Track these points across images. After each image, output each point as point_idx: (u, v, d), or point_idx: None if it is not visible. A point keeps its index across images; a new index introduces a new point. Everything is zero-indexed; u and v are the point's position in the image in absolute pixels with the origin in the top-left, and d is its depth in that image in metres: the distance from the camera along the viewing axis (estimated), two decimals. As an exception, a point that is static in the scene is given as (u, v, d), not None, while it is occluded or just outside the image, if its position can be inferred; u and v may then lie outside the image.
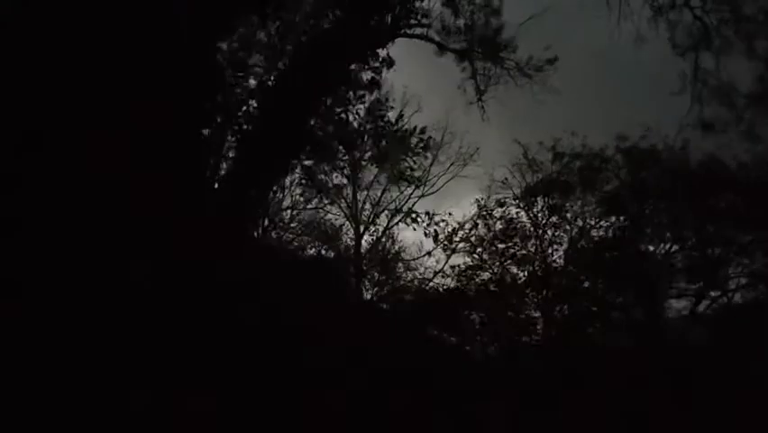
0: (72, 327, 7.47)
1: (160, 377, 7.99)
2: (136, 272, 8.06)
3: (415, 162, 11.62)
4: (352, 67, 11.74)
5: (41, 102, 8.08)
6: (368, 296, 21.09)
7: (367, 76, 11.71)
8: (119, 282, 7.90)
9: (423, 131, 12.41)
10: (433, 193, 21.25)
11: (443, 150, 21.04)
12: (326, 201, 19.06)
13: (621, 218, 21.34)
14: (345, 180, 15.46)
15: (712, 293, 20.76)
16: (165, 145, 8.81)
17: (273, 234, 18.13)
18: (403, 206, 20.53)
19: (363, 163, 15.40)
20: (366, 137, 11.56)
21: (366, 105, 11.28)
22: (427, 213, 19.91)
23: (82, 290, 7.61)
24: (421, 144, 11.32)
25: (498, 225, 21.77)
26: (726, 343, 18.88)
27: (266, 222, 16.49)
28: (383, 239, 21.87)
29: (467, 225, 21.65)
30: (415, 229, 20.32)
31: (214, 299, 8.92)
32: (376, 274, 21.63)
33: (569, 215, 21.85)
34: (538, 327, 21.95)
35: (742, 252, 20.45)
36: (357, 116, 11.45)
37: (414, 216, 19.80)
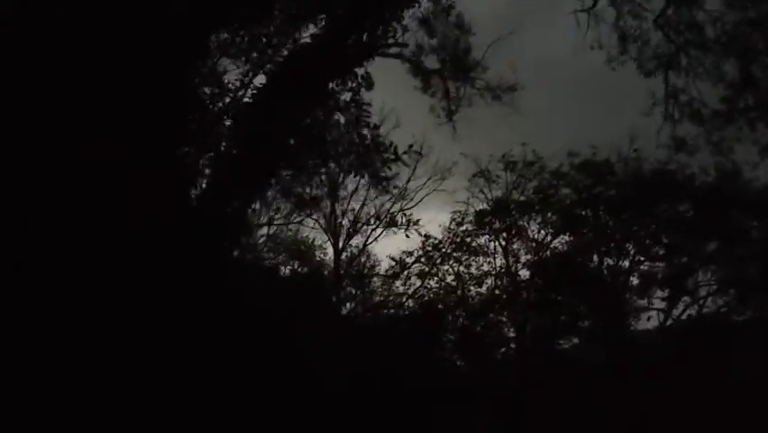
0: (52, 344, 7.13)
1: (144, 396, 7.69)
2: (114, 292, 7.73)
3: (391, 169, 11.41)
4: (330, 86, 11.41)
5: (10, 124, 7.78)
6: (345, 311, 20.72)
7: (346, 96, 11.40)
8: (97, 305, 7.57)
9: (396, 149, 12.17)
10: (411, 208, 21.08)
11: (421, 164, 20.86)
12: (304, 215, 18.69)
13: (581, 232, 21.20)
14: (324, 192, 15.14)
15: (682, 302, 20.62)
16: (141, 165, 8.44)
17: (251, 252, 17.66)
18: (383, 216, 20.21)
19: (342, 176, 15.10)
20: (346, 147, 11.23)
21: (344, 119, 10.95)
22: (404, 215, 19.52)
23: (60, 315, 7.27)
24: (398, 154, 11.09)
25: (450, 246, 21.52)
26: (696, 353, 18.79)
27: (244, 239, 16.02)
28: (361, 255, 21.54)
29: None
30: (395, 233, 19.86)
31: (193, 318, 8.57)
32: (353, 290, 21.26)
33: (530, 230, 21.70)
34: (510, 341, 21.76)
35: (708, 260, 20.34)
36: (337, 128, 11.13)
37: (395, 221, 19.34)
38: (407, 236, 17.99)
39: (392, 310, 20.78)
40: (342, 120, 10.93)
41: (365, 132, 10.96)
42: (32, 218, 7.64)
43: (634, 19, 12.20)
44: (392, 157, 11.18)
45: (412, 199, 21.25)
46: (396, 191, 14.62)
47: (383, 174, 11.27)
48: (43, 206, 7.68)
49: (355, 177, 12.27)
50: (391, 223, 19.21)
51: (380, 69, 12.00)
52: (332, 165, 12.01)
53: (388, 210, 20.05)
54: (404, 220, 18.84)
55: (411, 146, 11.52)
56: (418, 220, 19.34)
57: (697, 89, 12.44)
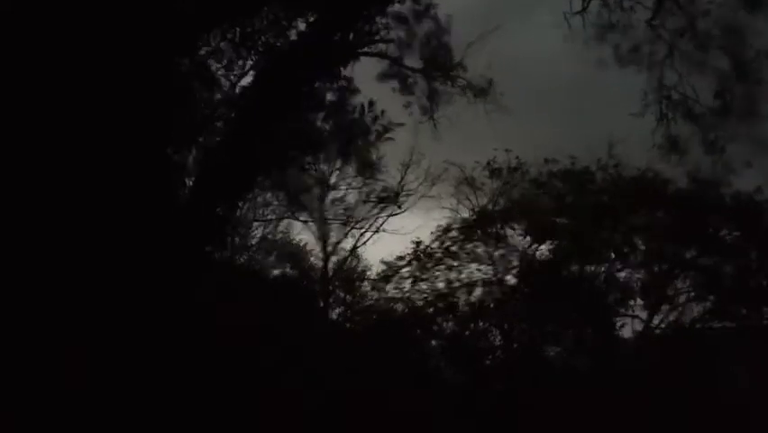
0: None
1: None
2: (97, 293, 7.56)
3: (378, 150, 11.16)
4: (317, 84, 11.28)
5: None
6: (334, 316, 20.46)
7: (332, 97, 11.27)
8: (78, 304, 7.38)
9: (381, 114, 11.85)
10: (401, 213, 20.78)
11: (411, 169, 20.39)
12: (295, 213, 18.44)
13: (560, 240, 21.03)
14: (312, 184, 14.97)
15: (662, 310, 20.41)
16: (126, 163, 8.27)
17: (240, 254, 17.40)
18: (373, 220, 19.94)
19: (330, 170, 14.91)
20: (330, 134, 11.11)
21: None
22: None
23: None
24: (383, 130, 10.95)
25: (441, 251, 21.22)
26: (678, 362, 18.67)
27: (233, 240, 15.77)
28: (351, 257, 21.24)
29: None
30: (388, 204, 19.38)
31: (177, 320, 8.40)
32: (342, 294, 20.99)
33: (512, 238, 21.50)
34: (497, 349, 21.49)
35: (687, 266, 20.18)
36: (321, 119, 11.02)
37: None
38: (399, 207, 17.51)
39: (382, 314, 20.47)
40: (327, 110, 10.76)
41: (348, 117, 10.82)
42: (11, 217, 7.46)
43: (625, 19, 12.01)
44: (376, 135, 11.02)
45: (400, 207, 20.99)
46: (381, 178, 14.41)
47: (369, 159, 11.11)
48: (22, 204, 7.51)
49: (342, 162, 12.11)
50: (380, 200, 18.78)
51: (369, 73, 11.93)
52: (320, 156, 11.86)
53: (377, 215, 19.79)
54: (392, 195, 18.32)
55: (390, 122, 11.36)
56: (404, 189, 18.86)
57: (692, 87, 12.22)
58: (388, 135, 10.92)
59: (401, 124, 11.01)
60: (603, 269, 20.88)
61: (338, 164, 11.89)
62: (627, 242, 20.46)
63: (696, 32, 11.61)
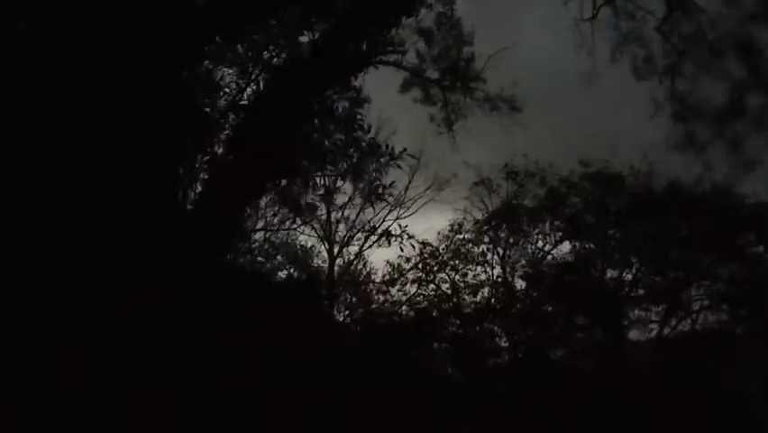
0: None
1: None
2: (104, 299, 7.56)
3: (385, 174, 11.07)
4: (328, 92, 11.18)
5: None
6: (340, 318, 20.46)
7: (343, 104, 11.17)
8: (86, 312, 7.38)
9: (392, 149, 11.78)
10: (408, 216, 20.82)
11: (419, 173, 20.78)
12: (300, 221, 18.38)
13: (585, 243, 20.93)
14: (319, 200, 14.94)
15: (676, 316, 20.37)
16: (133, 168, 8.26)
17: (246, 257, 17.39)
18: (377, 227, 19.88)
19: (338, 184, 14.86)
20: (341, 151, 11.00)
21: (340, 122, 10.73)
22: (400, 226, 19.09)
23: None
24: (394, 155, 10.84)
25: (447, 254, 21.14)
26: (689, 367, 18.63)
27: (239, 245, 15.77)
28: (356, 262, 21.24)
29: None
30: (389, 245, 19.40)
31: (183, 324, 8.39)
32: (348, 297, 20.98)
33: (533, 237, 21.39)
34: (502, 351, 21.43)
35: (704, 274, 20.10)
36: (332, 133, 10.89)
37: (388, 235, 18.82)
38: (401, 249, 17.67)
39: (387, 316, 20.43)
40: (338, 124, 10.64)
41: (360, 134, 10.69)
42: (17, 219, 7.47)
43: (635, 26, 11.83)
44: (388, 159, 10.91)
45: (408, 208, 21.04)
46: (391, 199, 14.24)
47: (378, 182, 10.98)
48: (28, 206, 7.51)
49: (351, 184, 11.97)
50: (386, 235, 18.75)
51: (378, 77, 11.84)
52: (328, 169, 11.75)
53: (383, 219, 19.75)
54: (399, 232, 18.29)
55: (405, 149, 11.25)
56: (412, 236, 18.88)
57: (704, 92, 11.99)
58: (398, 162, 10.85)
59: (414, 157, 10.91)
60: (624, 272, 20.96)
61: (346, 180, 11.89)
62: (655, 247, 20.42)
63: (706, 39, 11.41)
